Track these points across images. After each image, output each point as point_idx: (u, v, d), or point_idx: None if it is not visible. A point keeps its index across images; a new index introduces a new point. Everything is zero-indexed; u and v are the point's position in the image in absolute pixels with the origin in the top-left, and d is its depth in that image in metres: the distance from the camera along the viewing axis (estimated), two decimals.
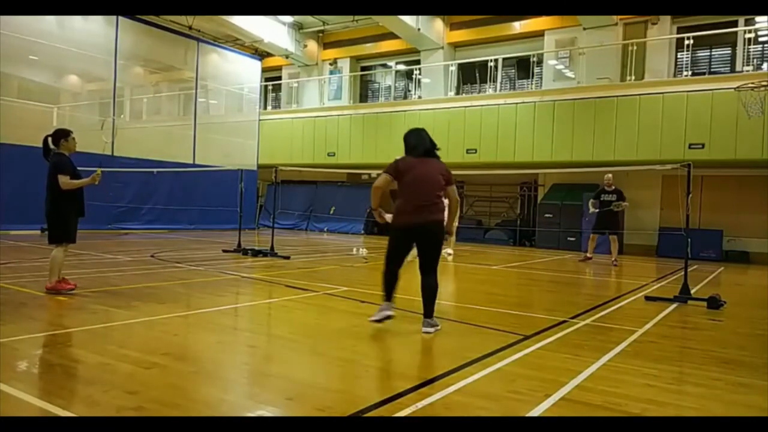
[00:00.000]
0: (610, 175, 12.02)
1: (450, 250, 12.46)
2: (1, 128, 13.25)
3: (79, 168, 6.07)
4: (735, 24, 15.07)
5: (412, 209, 4.61)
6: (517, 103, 16.12)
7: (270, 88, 23.17)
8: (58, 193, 5.81)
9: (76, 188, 5.90)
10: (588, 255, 12.36)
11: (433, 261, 4.84)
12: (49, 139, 6.02)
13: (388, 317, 4.72)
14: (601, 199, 11.98)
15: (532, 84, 17.72)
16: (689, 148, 13.47)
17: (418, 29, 18.37)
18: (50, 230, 5.96)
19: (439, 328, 4.83)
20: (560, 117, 15.38)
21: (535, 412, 2.98)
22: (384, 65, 22.14)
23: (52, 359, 3.73)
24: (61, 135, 6.03)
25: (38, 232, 13.65)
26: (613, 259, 11.88)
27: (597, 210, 12.02)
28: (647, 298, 7.23)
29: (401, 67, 21.30)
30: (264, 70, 21.95)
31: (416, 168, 4.63)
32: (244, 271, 8.54)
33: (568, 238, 16.05)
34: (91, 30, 15.45)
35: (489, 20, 18.55)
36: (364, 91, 22.30)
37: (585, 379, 3.60)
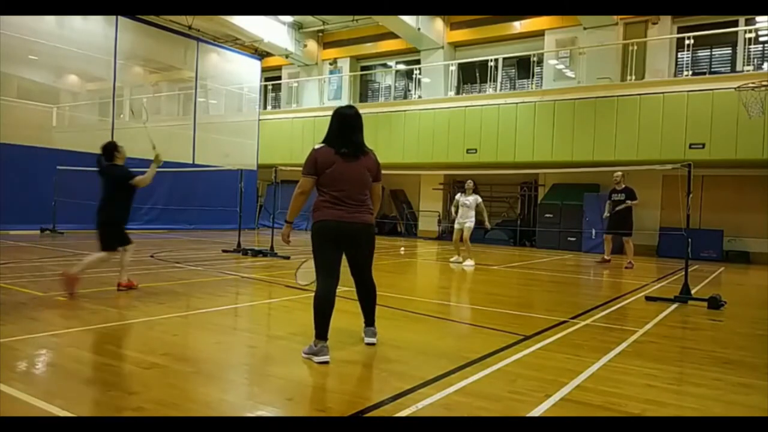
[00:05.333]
0: (618, 174, 11.73)
1: (471, 261, 10.85)
2: (1, 128, 13.24)
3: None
4: (735, 24, 15.07)
5: (337, 204, 3.88)
6: (517, 103, 16.12)
7: (270, 87, 23.18)
8: (122, 202, 6.19)
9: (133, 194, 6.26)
10: (606, 257, 12.16)
11: (368, 264, 4.13)
12: (102, 157, 6.26)
13: (324, 363, 3.70)
14: (612, 199, 11.78)
15: (532, 84, 17.71)
16: (689, 148, 13.46)
17: (418, 29, 18.38)
18: (110, 239, 6.16)
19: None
20: (560, 117, 15.38)
21: (536, 412, 2.98)
22: (384, 65, 22.14)
23: (52, 359, 3.73)
24: (113, 148, 6.28)
25: (38, 232, 13.67)
26: (628, 260, 11.59)
27: (609, 213, 11.79)
28: (648, 298, 7.23)
29: (401, 66, 21.31)
30: (264, 69, 21.97)
31: (339, 161, 3.91)
32: (243, 272, 8.54)
33: (569, 239, 16.05)
34: (90, 30, 15.46)
35: (489, 20, 18.56)
36: (364, 91, 22.30)
37: (585, 379, 3.60)
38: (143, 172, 6.44)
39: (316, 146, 4.00)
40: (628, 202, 11.55)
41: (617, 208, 11.62)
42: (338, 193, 3.88)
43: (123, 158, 6.37)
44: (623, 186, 11.73)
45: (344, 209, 3.88)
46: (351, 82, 21.63)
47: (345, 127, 4.01)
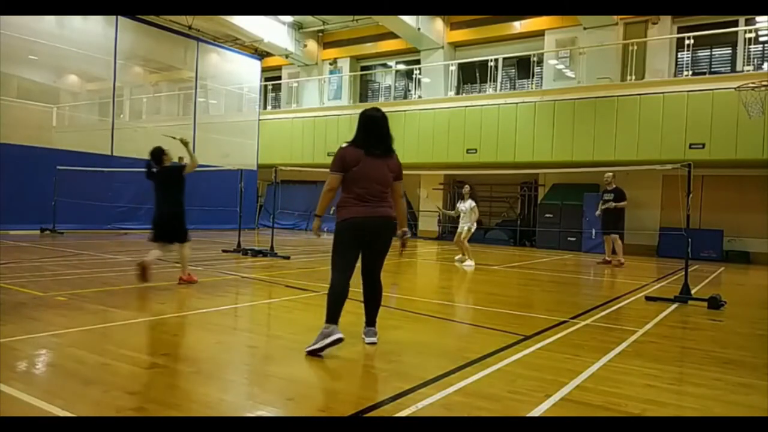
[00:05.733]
0: (609, 175, 11.97)
1: (471, 262, 11.10)
2: (1, 128, 13.24)
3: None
4: (735, 24, 15.07)
5: (361, 201, 4.09)
6: (517, 103, 16.12)
7: (270, 87, 23.17)
8: (180, 198, 6.89)
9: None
10: (607, 258, 12.31)
11: (381, 264, 4.32)
12: (151, 162, 6.93)
13: (337, 341, 3.91)
14: (603, 199, 12.03)
15: (532, 84, 17.72)
16: (689, 147, 13.46)
17: (418, 29, 18.37)
18: (179, 232, 6.89)
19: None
20: (560, 117, 15.38)
21: (535, 412, 2.98)
22: (384, 65, 22.14)
23: (52, 359, 3.73)
24: (161, 153, 6.93)
25: (38, 232, 13.67)
26: (617, 259, 11.73)
27: (599, 213, 12.07)
28: (648, 298, 7.23)
29: (401, 66, 21.30)
30: (264, 69, 21.96)
31: (366, 160, 4.12)
32: (243, 272, 8.54)
33: (569, 239, 16.05)
34: (90, 30, 15.46)
35: (489, 20, 18.55)
36: (364, 91, 22.29)
37: (585, 379, 3.60)
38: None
39: (344, 145, 4.19)
40: (612, 204, 11.71)
41: (602, 207, 11.90)
42: (362, 191, 4.09)
43: (170, 161, 7.01)
44: (614, 186, 11.89)
45: (368, 206, 4.10)
46: (351, 82, 21.63)
47: (374, 128, 4.20)
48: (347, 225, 4.11)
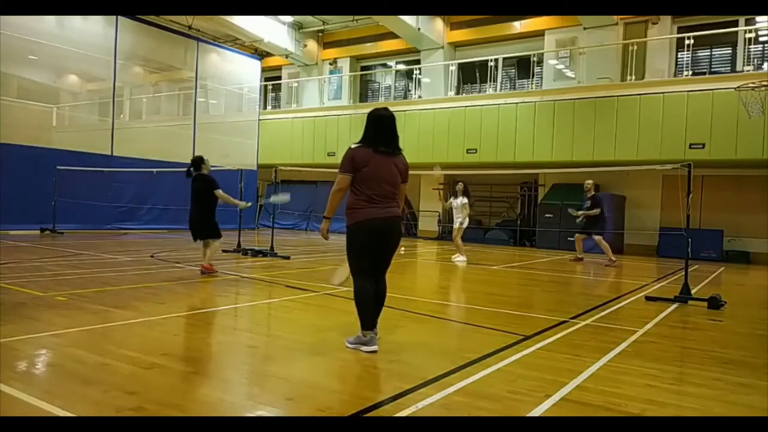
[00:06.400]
0: (589, 183, 12.17)
1: (462, 257, 11.58)
2: (1, 128, 13.24)
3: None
4: (735, 24, 15.08)
5: (372, 203, 4.07)
6: (517, 103, 16.12)
7: (270, 87, 23.17)
8: (211, 203, 7.73)
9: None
10: (578, 255, 12.50)
11: (388, 264, 4.32)
12: (191, 168, 7.85)
13: (373, 352, 4.03)
14: (585, 206, 12.19)
15: (532, 84, 17.72)
16: (689, 147, 13.47)
17: (418, 29, 18.38)
18: (209, 231, 7.76)
19: None
20: (560, 117, 15.38)
21: (535, 412, 2.98)
22: (384, 65, 22.14)
23: (51, 359, 3.73)
24: (200, 161, 7.89)
25: (38, 232, 13.67)
26: (608, 259, 11.79)
27: (579, 220, 12.23)
28: (648, 298, 7.23)
29: (401, 66, 21.30)
30: (264, 69, 21.96)
31: (375, 159, 4.09)
32: (243, 271, 8.54)
33: (569, 239, 15.98)
34: (90, 30, 15.46)
35: (489, 20, 18.56)
36: (364, 91, 22.30)
37: (585, 379, 3.60)
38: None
39: (353, 145, 4.17)
40: (578, 212, 11.98)
41: (578, 213, 12.12)
42: (371, 192, 4.08)
43: (208, 168, 7.89)
44: (592, 194, 12.03)
45: (378, 207, 4.10)
46: (351, 82, 21.63)
47: (382, 127, 4.19)
48: (361, 227, 4.10)
